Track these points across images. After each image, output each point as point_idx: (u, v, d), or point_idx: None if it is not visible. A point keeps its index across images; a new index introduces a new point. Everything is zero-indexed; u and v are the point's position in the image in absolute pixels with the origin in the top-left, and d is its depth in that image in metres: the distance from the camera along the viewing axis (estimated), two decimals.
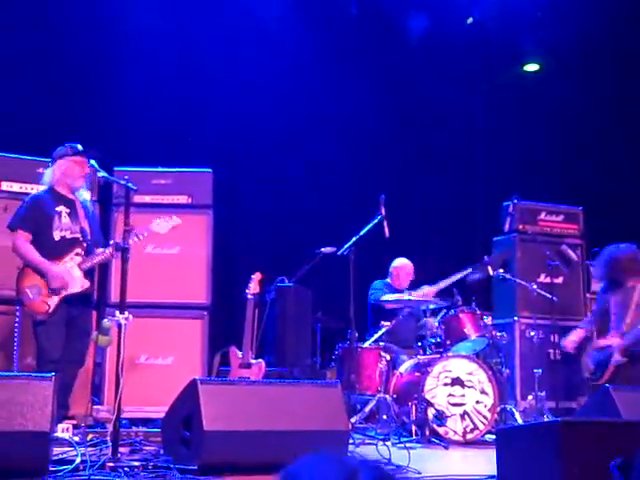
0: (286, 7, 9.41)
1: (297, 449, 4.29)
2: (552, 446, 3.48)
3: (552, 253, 7.85)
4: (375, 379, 6.84)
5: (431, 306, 7.30)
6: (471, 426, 6.31)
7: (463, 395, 6.37)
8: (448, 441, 6.11)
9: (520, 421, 6.62)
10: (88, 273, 5.66)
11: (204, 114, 9.04)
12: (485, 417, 6.35)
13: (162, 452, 4.75)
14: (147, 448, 5.00)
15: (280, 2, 9.45)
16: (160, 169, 6.99)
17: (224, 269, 7.73)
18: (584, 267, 8.42)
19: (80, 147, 5.74)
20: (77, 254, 5.61)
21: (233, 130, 9.22)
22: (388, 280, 7.80)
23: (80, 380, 5.92)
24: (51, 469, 4.10)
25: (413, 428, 6.26)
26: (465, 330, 6.77)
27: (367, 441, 5.75)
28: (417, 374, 6.56)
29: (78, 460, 4.27)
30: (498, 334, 6.85)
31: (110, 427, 4.65)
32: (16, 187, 6.61)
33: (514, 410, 6.78)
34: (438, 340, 6.82)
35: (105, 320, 5.10)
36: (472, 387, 6.40)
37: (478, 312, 6.84)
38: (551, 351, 7.67)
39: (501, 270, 7.39)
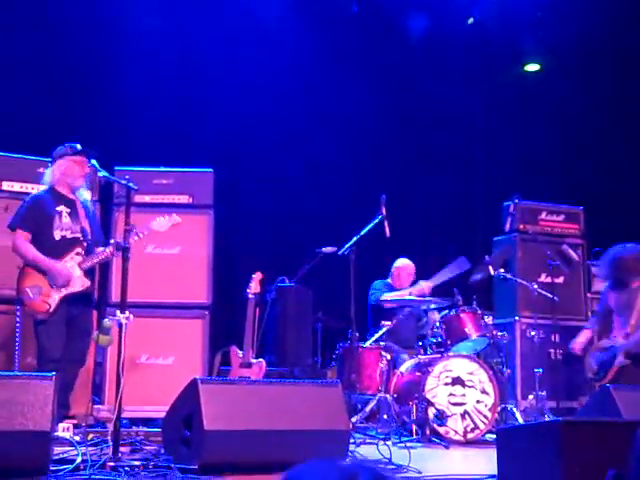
0: (286, 7, 9.41)
1: (298, 449, 4.33)
2: (553, 446, 3.48)
3: (553, 253, 7.85)
4: (376, 379, 6.85)
5: (432, 306, 7.31)
6: (472, 426, 6.31)
7: (464, 395, 6.37)
8: (449, 441, 6.11)
9: (521, 421, 6.62)
10: (88, 272, 5.66)
11: (205, 114, 9.04)
12: (486, 417, 6.35)
13: (163, 451, 4.75)
14: (148, 448, 5.00)
15: (280, 2, 9.46)
16: (161, 169, 6.99)
17: (225, 269, 7.73)
18: (585, 267, 8.43)
19: (79, 147, 5.75)
20: (77, 254, 5.62)
21: (234, 130, 9.22)
22: (389, 280, 7.80)
23: (81, 379, 5.92)
24: (52, 468, 4.10)
25: (414, 428, 6.26)
26: (466, 330, 6.77)
27: (368, 441, 5.74)
28: (418, 374, 6.56)
29: (79, 460, 4.27)
30: (499, 334, 6.85)
31: (111, 426, 4.65)
32: (17, 187, 6.61)
33: (515, 410, 6.78)
34: (439, 340, 6.82)
35: (106, 320, 5.11)
36: (473, 387, 6.40)
37: (479, 312, 6.84)
38: (552, 351, 7.67)
39: (502, 270, 7.39)
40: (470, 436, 6.27)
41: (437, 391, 6.34)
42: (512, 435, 4.10)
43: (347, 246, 6.70)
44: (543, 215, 8.39)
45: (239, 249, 9.23)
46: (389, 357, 6.91)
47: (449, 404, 6.32)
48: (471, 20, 9.92)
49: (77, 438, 5.11)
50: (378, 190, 6.95)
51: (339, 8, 9.65)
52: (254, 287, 6.76)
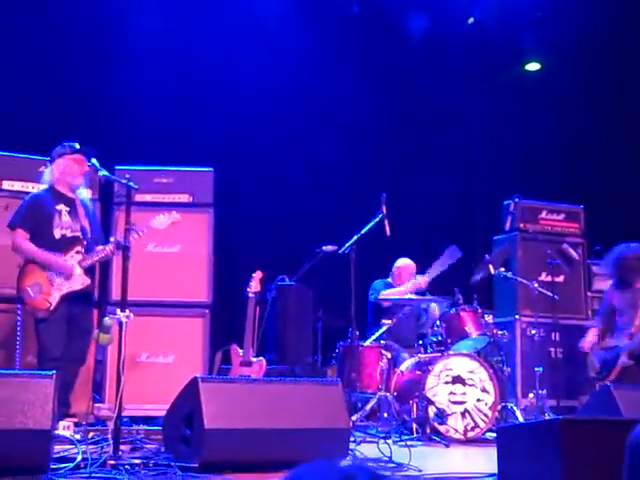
0: (286, 6, 9.42)
1: (298, 447, 4.33)
2: (553, 444, 3.48)
3: (553, 252, 7.85)
4: (376, 377, 6.84)
5: (432, 305, 7.32)
6: (472, 424, 6.31)
7: (464, 393, 6.38)
8: (449, 439, 6.11)
9: (521, 419, 6.62)
10: (88, 271, 5.67)
11: (205, 113, 9.04)
12: (486, 415, 6.35)
13: (163, 450, 4.75)
14: (148, 446, 5.00)
15: (280, 1, 9.46)
16: (161, 168, 6.99)
17: (225, 267, 7.73)
18: (585, 266, 8.43)
19: (78, 146, 5.76)
20: (77, 252, 5.63)
21: (234, 129, 9.22)
22: (389, 280, 7.80)
23: (81, 378, 5.93)
24: (52, 467, 4.10)
25: (414, 426, 6.26)
26: (466, 328, 6.77)
27: (368, 439, 5.74)
28: (418, 372, 6.56)
29: (79, 458, 4.27)
30: (499, 332, 6.85)
31: (111, 425, 4.65)
32: (17, 186, 6.61)
33: (515, 408, 6.78)
34: (439, 338, 6.82)
35: (106, 318, 5.11)
36: (473, 385, 6.40)
37: (479, 310, 6.84)
38: (552, 349, 7.68)
39: (502, 269, 7.39)
40: (470, 435, 6.27)
41: (437, 390, 6.34)
42: (512, 434, 4.11)
43: (347, 245, 6.70)
44: (543, 214, 8.40)
45: (239, 248, 9.23)
46: (389, 356, 6.91)
47: (449, 403, 6.32)
48: (471, 20, 9.92)
49: (77, 436, 5.12)
50: (378, 189, 6.95)
51: (339, 8, 9.65)
52: (254, 286, 6.77)
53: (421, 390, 6.30)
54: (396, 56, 9.80)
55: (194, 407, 4.41)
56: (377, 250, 7.51)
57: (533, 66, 10.34)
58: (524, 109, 10.24)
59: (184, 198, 6.94)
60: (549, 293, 7.43)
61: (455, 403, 6.33)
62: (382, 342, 7.10)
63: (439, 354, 6.59)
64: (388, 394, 6.62)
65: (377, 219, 6.76)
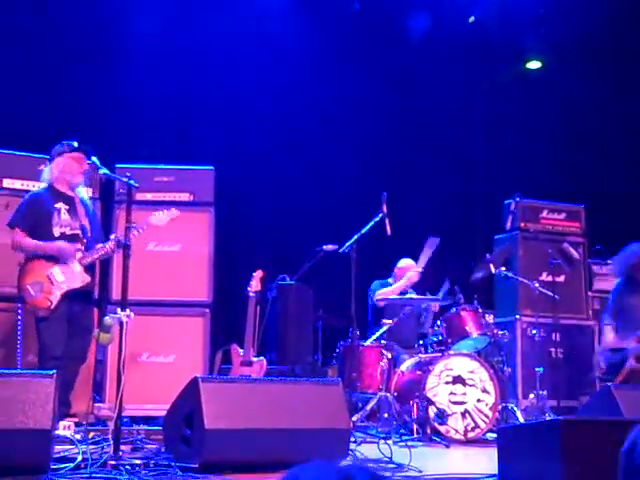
0: (286, 7, 9.42)
1: (298, 447, 4.33)
2: (554, 445, 3.47)
3: (554, 251, 7.85)
4: (376, 377, 6.84)
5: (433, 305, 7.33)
6: (472, 424, 6.30)
7: (464, 393, 6.37)
8: (449, 439, 6.10)
9: (521, 420, 6.62)
10: (88, 268, 5.67)
11: (206, 112, 9.04)
12: (486, 416, 6.34)
13: (163, 450, 4.74)
14: (148, 446, 5.00)
15: (280, 1, 9.46)
16: (162, 166, 6.99)
17: (226, 267, 7.73)
18: (586, 265, 8.43)
19: (77, 144, 5.76)
20: (77, 250, 5.62)
21: (235, 128, 9.22)
22: (390, 280, 7.79)
23: (81, 377, 5.93)
24: (52, 467, 4.10)
25: (414, 426, 6.26)
26: (467, 328, 6.76)
27: (368, 439, 5.73)
28: (418, 372, 6.56)
29: (79, 458, 4.27)
30: (500, 332, 6.84)
31: (111, 425, 4.65)
32: (17, 184, 6.61)
33: (515, 409, 6.78)
34: (439, 338, 6.82)
35: (107, 317, 5.10)
36: (473, 385, 6.40)
37: (480, 310, 6.84)
38: (553, 349, 7.67)
39: (503, 268, 7.38)
40: (471, 435, 6.26)
41: (438, 390, 6.33)
42: (513, 434, 4.10)
43: (348, 244, 6.70)
44: (544, 213, 8.39)
45: (240, 247, 9.23)
46: (390, 356, 6.91)
47: (450, 403, 6.32)
48: (472, 19, 9.91)
49: (78, 436, 5.12)
50: (379, 189, 6.95)
51: (340, 6, 9.64)
52: (255, 285, 6.76)
53: (421, 390, 6.29)
54: (396, 56, 9.79)
55: (194, 407, 4.41)
56: (378, 249, 7.51)
57: (534, 64, 10.33)
58: (525, 108, 10.23)
59: (185, 197, 6.93)
60: (550, 293, 7.42)
61: (455, 403, 6.33)
62: (383, 342, 7.09)
63: (439, 354, 6.59)
64: (388, 394, 6.62)
65: (377, 218, 6.76)
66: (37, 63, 8.39)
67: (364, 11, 9.57)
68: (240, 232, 9.28)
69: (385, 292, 7.53)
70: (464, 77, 10.14)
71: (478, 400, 6.37)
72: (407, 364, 6.82)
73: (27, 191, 6.26)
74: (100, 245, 5.69)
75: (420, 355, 6.80)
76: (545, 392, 7.16)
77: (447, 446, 5.95)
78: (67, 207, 5.74)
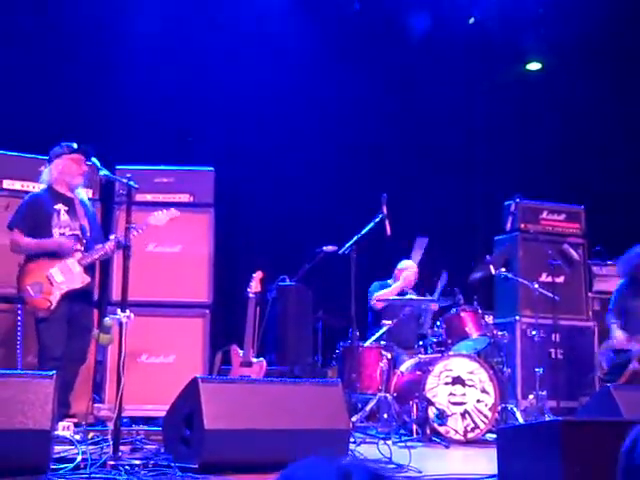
0: (286, 7, 9.42)
1: (298, 448, 4.32)
2: (553, 446, 3.47)
3: (554, 252, 7.84)
4: (376, 378, 6.84)
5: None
6: (472, 425, 6.30)
7: (464, 394, 6.37)
8: (449, 440, 6.11)
9: (521, 420, 6.61)
10: (88, 269, 5.68)
11: (206, 113, 9.04)
12: (486, 416, 6.35)
13: (163, 450, 4.75)
14: (148, 447, 5.00)
15: (280, 1, 9.46)
16: (162, 167, 6.99)
17: (225, 268, 7.73)
18: (586, 266, 8.43)
19: (76, 145, 5.76)
20: (77, 250, 5.63)
21: (234, 129, 9.22)
22: (390, 281, 7.78)
23: (81, 378, 5.93)
24: (52, 467, 4.10)
25: (414, 427, 6.26)
26: (466, 329, 6.76)
27: (368, 440, 5.73)
28: (418, 373, 6.56)
29: (79, 458, 4.27)
30: (499, 333, 6.84)
31: (111, 425, 4.65)
32: (17, 185, 6.61)
33: (515, 409, 6.78)
34: (439, 339, 6.82)
35: (106, 318, 5.11)
36: (473, 386, 6.40)
37: (479, 311, 6.84)
38: (552, 350, 7.66)
39: (503, 269, 7.39)
40: (470, 435, 6.27)
41: (437, 390, 6.33)
42: (512, 435, 4.10)
43: (348, 245, 6.70)
44: (544, 214, 8.39)
45: (240, 248, 9.23)
46: (389, 356, 6.91)
47: (449, 403, 6.32)
48: (472, 20, 9.91)
49: (77, 437, 5.11)
50: (378, 189, 6.95)
51: (340, 6, 9.64)
52: (255, 286, 6.76)
53: (421, 391, 6.30)
54: (396, 56, 9.79)
55: (194, 407, 4.41)
56: (377, 250, 7.51)
57: (534, 66, 10.33)
58: (525, 109, 10.23)
59: (185, 198, 6.93)
60: (549, 294, 7.41)
61: (455, 404, 6.33)
62: (382, 343, 7.09)
63: (439, 355, 6.59)
64: (388, 395, 6.62)
65: (377, 219, 6.76)
66: (37, 63, 8.39)
67: (364, 11, 9.57)
68: (240, 233, 9.28)
69: (382, 294, 7.53)
70: (464, 77, 10.14)
71: (478, 401, 6.37)
72: (407, 365, 6.83)
73: (27, 192, 6.26)
74: (100, 246, 5.69)
75: (420, 356, 6.80)
76: (545, 393, 7.15)
77: (447, 447, 5.95)
78: (66, 208, 5.74)
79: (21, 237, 5.64)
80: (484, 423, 6.33)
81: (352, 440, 5.06)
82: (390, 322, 7.13)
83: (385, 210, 6.73)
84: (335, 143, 9.52)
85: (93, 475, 4.07)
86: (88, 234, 5.72)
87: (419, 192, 9.75)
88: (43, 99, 8.23)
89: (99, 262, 6.00)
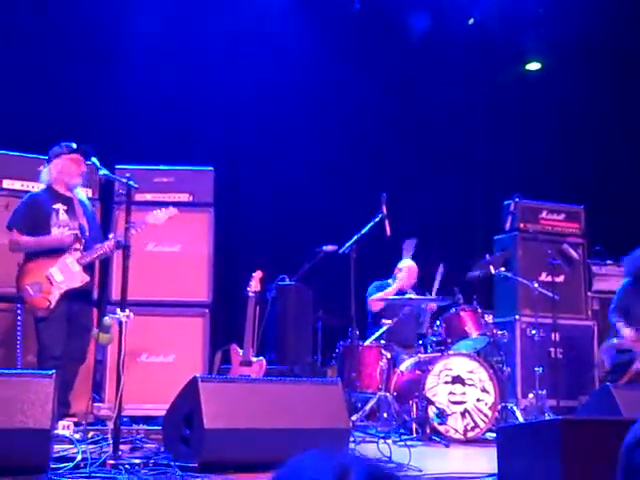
0: (286, 6, 9.42)
1: (298, 447, 4.31)
2: (553, 445, 3.47)
3: (553, 252, 7.84)
4: (376, 377, 6.84)
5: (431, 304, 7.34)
6: (472, 424, 6.30)
7: (464, 393, 6.37)
8: (449, 439, 6.11)
9: (521, 419, 6.62)
10: (87, 268, 5.68)
11: (205, 112, 9.04)
12: (486, 415, 6.35)
13: (163, 450, 4.75)
14: (148, 446, 5.01)
15: (280, 1, 9.46)
16: (162, 167, 6.99)
17: (225, 267, 7.73)
18: (585, 266, 8.43)
19: (75, 145, 5.76)
20: (76, 249, 5.63)
21: (234, 128, 9.23)
22: (390, 281, 7.78)
23: (81, 377, 5.93)
24: (52, 466, 4.11)
25: (414, 426, 6.26)
26: (466, 328, 6.77)
27: (368, 439, 5.74)
28: (418, 372, 6.56)
29: (79, 458, 4.28)
30: (499, 332, 6.85)
31: (111, 425, 4.66)
32: (17, 185, 6.61)
33: (515, 408, 6.78)
34: (439, 338, 6.82)
35: (106, 318, 5.11)
36: (473, 385, 6.40)
37: (479, 310, 6.84)
38: (552, 349, 7.66)
39: (502, 268, 7.39)
40: (470, 435, 6.27)
41: (437, 389, 6.34)
42: (512, 434, 4.11)
43: (348, 245, 6.70)
44: (544, 214, 8.39)
45: (239, 247, 9.23)
46: (389, 355, 6.91)
47: (449, 403, 6.32)
48: (471, 20, 9.92)
49: (77, 436, 5.12)
50: (378, 189, 6.95)
51: (340, 8, 9.65)
52: (254, 285, 6.76)
53: (421, 390, 6.30)
54: (396, 56, 9.79)
55: (194, 407, 4.41)
56: (377, 250, 7.51)
57: (533, 66, 10.33)
58: (524, 109, 10.23)
59: (184, 197, 6.93)
60: (549, 293, 7.42)
61: (455, 403, 6.33)
62: (382, 342, 7.10)
63: (439, 354, 6.59)
64: (388, 394, 6.62)
65: (377, 219, 6.76)
66: (37, 63, 8.39)
67: (364, 11, 9.57)
68: (240, 232, 9.28)
69: (377, 297, 7.53)
70: (464, 77, 10.15)
71: (477, 400, 6.37)
72: (406, 364, 6.83)
73: (27, 192, 6.26)
74: (99, 245, 5.69)
75: (419, 355, 6.80)
76: (544, 392, 7.16)
77: (447, 446, 5.96)
78: (65, 208, 5.74)
79: (20, 237, 5.65)
80: (484, 422, 6.33)
81: (352, 439, 5.06)
82: (390, 321, 7.14)
83: (385, 210, 6.73)
84: (335, 143, 9.52)
85: (93, 474, 4.08)
86: (87, 233, 5.72)
87: (419, 192, 9.74)
88: (43, 99, 8.23)
89: (99, 261, 6.00)
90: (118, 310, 4.70)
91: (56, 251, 5.59)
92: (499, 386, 6.50)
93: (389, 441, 5.28)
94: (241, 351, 6.63)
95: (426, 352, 6.82)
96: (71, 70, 8.46)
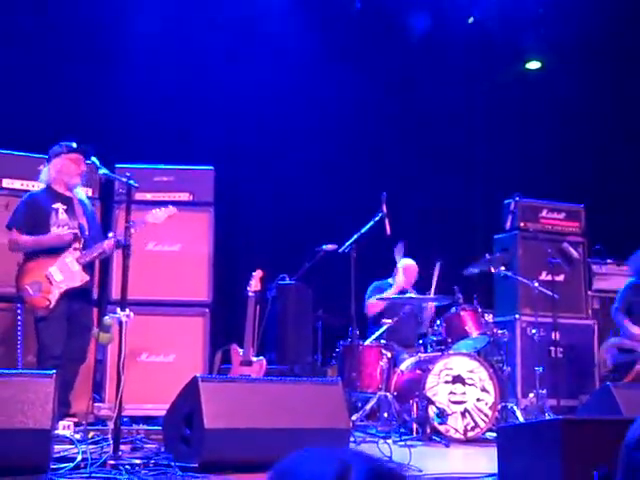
0: (286, 6, 9.42)
1: (298, 447, 4.32)
2: (553, 444, 3.48)
3: (553, 251, 7.84)
4: (376, 377, 6.84)
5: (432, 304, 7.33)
6: (472, 424, 6.30)
7: (464, 393, 6.37)
8: (449, 439, 6.10)
9: (521, 419, 6.61)
10: (87, 267, 5.67)
11: (206, 111, 9.04)
12: (486, 415, 6.34)
13: (163, 450, 4.75)
14: (148, 446, 5.01)
15: (280, 1, 9.46)
16: (162, 166, 6.99)
17: (225, 266, 7.73)
18: (585, 265, 8.43)
19: (75, 145, 5.76)
20: (75, 249, 5.63)
21: (234, 128, 9.22)
22: (390, 280, 7.77)
23: (81, 377, 5.93)
24: (52, 467, 4.11)
25: (414, 426, 6.26)
26: (466, 328, 6.77)
27: (368, 439, 5.75)
28: (418, 372, 6.56)
29: (79, 458, 4.28)
30: (499, 332, 6.85)
31: (111, 424, 4.66)
32: (17, 184, 6.61)
33: (515, 408, 6.78)
34: (439, 338, 6.82)
35: (106, 317, 5.11)
36: (473, 385, 6.40)
37: (479, 310, 6.84)
38: (552, 349, 7.65)
39: (502, 268, 7.39)
40: (470, 434, 6.26)
41: (437, 389, 6.33)
42: (512, 433, 4.11)
43: (348, 244, 6.70)
44: (544, 213, 8.39)
45: (240, 247, 9.23)
46: (389, 355, 6.91)
47: (449, 402, 6.32)
48: (471, 19, 9.92)
49: (77, 436, 5.12)
50: (378, 188, 6.95)
51: (340, 7, 9.64)
52: (254, 285, 6.76)
53: (421, 390, 6.29)
54: (396, 56, 9.79)
55: (194, 407, 4.41)
56: (377, 249, 7.50)
57: (533, 65, 10.33)
58: (524, 108, 10.23)
59: (184, 197, 6.93)
60: (549, 292, 7.41)
61: (455, 403, 6.33)
62: (382, 341, 7.09)
63: (439, 353, 6.59)
64: (388, 394, 6.62)
65: (377, 218, 6.76)
66: (37, 63, 8.39)
67: (364, 11, 9.57)
68: (240, 232, 9.28)
69: (374, 302, 7.52)
70: (464, 77, 10.14)
71: (478, 399, 6.37)
72: (407, 363, 6.82)
73: (27, 191, 6.26)
74: (98, 244, 5.69)
75: (420, 354, 6.80)
76: (545, 391, 7.15)
77: (447, 445, 5.95)
78: (65, 207, 5.74)
79: (19, 236, 5.65)
80: (484, 422, 6.33)
81: (352, 439, 5.06)
82: (390, 321, 7.14)
83: (385, 209, 6.73)
84: (335, 143, 9.52)
85: (93, 474, 4.08)
86: (87, 233, 5.72)
87: (419, 192, 9.74)
88: (43, 99, 8.23)
89: (99, 261, 6.00)
90: (118, 309, 4.70)
91: (55, 250, 5.59)
92: (499, 386, 6.50)
93: (389, 441, 5.28)
94: (241, 351, 6.62)
95: (426, 351, 6.82)
96: (71, 70, 8.46)
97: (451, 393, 6.35)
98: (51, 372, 4.25)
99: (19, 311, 6.11)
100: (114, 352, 5.15)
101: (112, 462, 4.29)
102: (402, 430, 6.18)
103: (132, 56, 8.73)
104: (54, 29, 8.51)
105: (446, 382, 6.37)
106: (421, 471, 4.55)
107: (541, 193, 8.54)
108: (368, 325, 7.62)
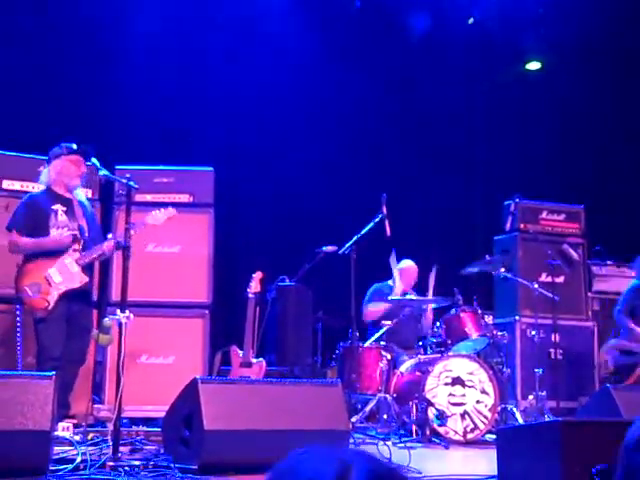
0: (286, 6, 9.42)
1: (297, 449, 4.31)
2: (553, 446, 3.47)
3: (553, 252, 7.84)
4: (376, 378, 6.84)
5: (432, 305, 7.32)
6: (471, 426, 6.30)
7: (464, 395, 6.37)
8: (448, 441, 6.10)
9: (521, 421, 6.61)
10: (87, 269, 5.67)
11: (205, 112, 9.04)
12: (486, 417, 6.34)
13: (162, 451, 4.75)
14: (147, 447, 5.00)
15: (280, 1, 9.46)
16: (162, 167, 6.99)
17: (225, 268, 7.72)
18: (585, 266, 8.42)
19: (75, 146, 5.76)
20: (75, 250, 5.63)
21: (234, 129, 9.22)
22: (390, 282, 7.76)
23: (81, 378, 5.92)
24: (51, 468, 4.11)
25: (414, 428, 6.25)
26: (466, 329, 6.76)
27: (368, 441, 5.74)
28: (418, 373, 6.56)
29: (79, 459, 4.28)
30: (499, 333, 6.84)
31: (111, 426, 4.66)
32: (17, 185, 6.61)
33: (515, 410, 6.77)
34: (439, 339, 6.82)
35: (106, 319, 5.11)
36: (473, 387, 6.39)
37: (479, 311, 6.83)
38: (552, 350, 7.65)
39: (502, 269, 7.38)
40: (470, 436, 6.26)
41: (437, 391, 6.33)
42: (512, 435, 4.10)
43: (347, 245, 6.70)
44: (544, 214, 8.39)
45: (239, 248, 9.23)
46: (389, 357, 6.90)
47: (449, 404, 6.31)
48: (471, 20, 9.92)
49: (77, 438, 5.12)
50: (378, 189, 6.95)
51: (340, 7, 9.64)
52: (254, 286, 6.76)
53: (421, 391, 6.29)
54: (396, 56, 9.79)
55: (194, 408, 4.41)
56: (377, 251, 7.50)
57: (533, 65, 10.33)
58: (524, 109, 10.23)
59: (184, 198, 6.93)
60: (549, 294, 7.41)
61: (455, 405, 6.32)
62: (382, 343, 7.09)
63: (439, 355, 6.59)
64: (388, 395, 6.62)
65: (377, 219, 6.75)
66: (37, 63, 8.39)
67: (364, 11, 9.57)
68: (240, 233, 9.28)
69: (374, 309, 7.51)
70: (464, 77, 10.14)
71: (477, 401, 6.37)
72: (406, 365, 6.82)
73: (26, 192, 6.25)
74: (98, 245, 5.68)
75: (419, 356, 6.79)
76: (544, 393, 7.15)
77: (446, 447, 5.95)
78: (64, 209, 5.74)
79: (19, 238, 5.65)
80: (484, 424, 6.32)
81: (352, 441, 5.05)
82: (390, 322, 7.13)
83: (385, 210, 6.73)
84: (335, 143, 9.52)
85: (93, 476, 4.08)
86: (86, 234, 5.71)
87: (419, 192, 9.75)
88: (43, 99, 8.23)
89: (98, 262, 6.00)
90: (118, 311, 4.70)
91: (55, 252, 5.59)
92: (499, 387, 6.49)
93: (389, 443, 5.28)
94: (241, 352, 6.62)
95: (426, 353, 6.81)
96: (71, 70, 8.47)
97: (451, 395, 6.35)
98: (50, 373, 4.25)
99: (18, 312, 6.11)
100: (114, 353, 5.15)
101: (111, 464, 4.29)
102: (402, 432, 6.19)
103: (132, 56, 8.74)
104: (54, 29, 8.51)
105: (446, 384, 6.37)
106: (421, 473, 4.55)
107: (541, 193, 8.54)
108: (368, 327, 7.62)
